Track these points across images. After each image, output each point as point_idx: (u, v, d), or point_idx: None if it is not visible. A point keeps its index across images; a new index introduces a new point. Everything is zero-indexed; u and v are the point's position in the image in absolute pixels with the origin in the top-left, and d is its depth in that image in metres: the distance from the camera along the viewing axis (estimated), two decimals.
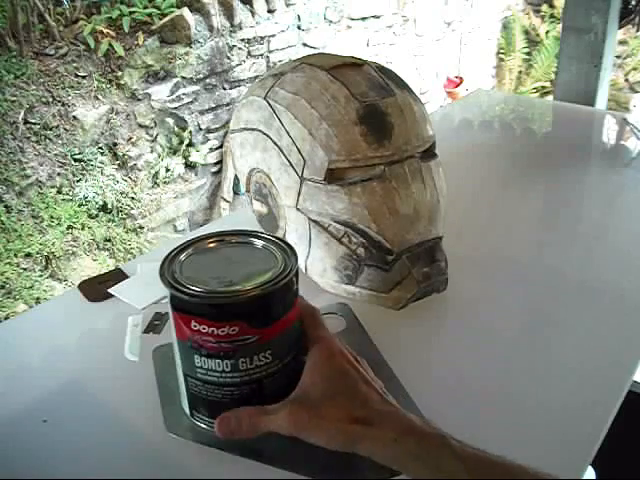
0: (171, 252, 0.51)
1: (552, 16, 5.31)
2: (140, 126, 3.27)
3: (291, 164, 0.83)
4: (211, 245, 0.53)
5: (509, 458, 0.45)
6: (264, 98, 0.86)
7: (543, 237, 1.08)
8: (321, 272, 0.86)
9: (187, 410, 0.58)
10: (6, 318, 2.62)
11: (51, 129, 3.01)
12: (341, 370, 0.50)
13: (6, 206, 2.85)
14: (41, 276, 2.89)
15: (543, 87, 5.27)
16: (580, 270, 0.97)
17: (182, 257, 0.51)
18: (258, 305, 0.47)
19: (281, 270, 0.49)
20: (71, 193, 3.05)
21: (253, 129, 0.88)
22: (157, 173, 3.35)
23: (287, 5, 3.73)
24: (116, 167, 3.22)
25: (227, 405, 0.52)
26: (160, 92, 3.28)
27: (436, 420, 0.65)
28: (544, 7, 5.40)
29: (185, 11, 3.29)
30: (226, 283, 0.47)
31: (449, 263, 0.83)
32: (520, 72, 5.46)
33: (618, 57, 4.93)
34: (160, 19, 3.28)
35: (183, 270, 0.49)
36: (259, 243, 0.53)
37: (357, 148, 0.79)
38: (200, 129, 3.48)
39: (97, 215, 3.14)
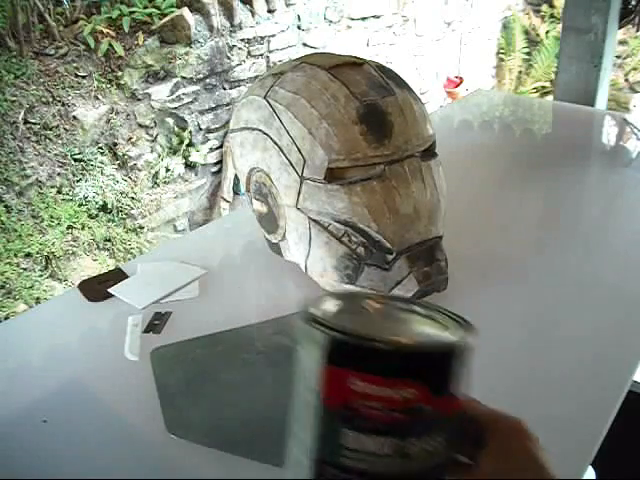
0: (315, 300, 0.38)
1: (552, 16, 5.31)
2: (140, 126, 3.27)
3: (291, 163, 0.83)
4: (363, 303, 0.40)
5: None
6: (264, 97, 0.86)
7: (543, 237, 1.08)
8: (321, 271, 0.86)
9: None
10: (6, 318, 2.62)
11: (51, 129, 3.00)
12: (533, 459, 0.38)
13: (6, 206, 2.85)
14: (41, 276, 2.89)
15: (543, 87, 5.27)
16: (580, 270, 0.97)
17: (328, 306, 0.38)
18: (444, 366, 0.34)
19: (463, 335, 0.36)
20: (71, 193, 3.05)
21: (253, 128, 0.88)
22: (157, 173, 3.34)
23: (287, 5, 3.73)
24: (116, 167, 3.22)
25: None
26: (160, 92, 3.28)
27: None
28: (544, 7, 5.40)
29: (185, 11, 3.29)
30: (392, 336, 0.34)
31: (449, 263, 0.83)
32: (520, 72, 5.46)
33: (618, 57, 4.92)
34: (160, 19, 3.28)
35: (331, 319, 0.35)
36: (422, 311, 0.40)
37: (357, 147, 0.79)
38: (200, 129, 3.48)
39: (97, 215, 3.14)
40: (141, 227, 3.28)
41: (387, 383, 0.32)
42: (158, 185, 3.37)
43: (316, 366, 0.33)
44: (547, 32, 5.33)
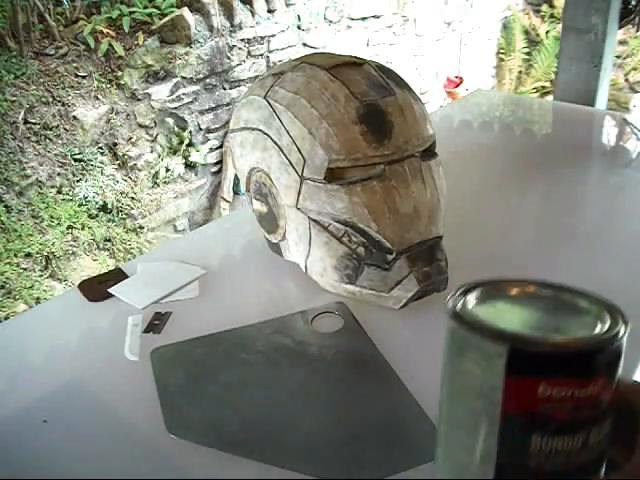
0: (457, 293, 0.38)
1: (552, 16, 5.31)
2: (140, 126, 3.27)
3: (291, 163, 0.83)
4: (505, 292, 0.40)
5: None
6: (264, 97, 0.86)
7: (543, 237, 1.08)
8: (321, 271, 0.86)
9: None
10: (6, 318, 2.62)
11: (51, 129, 3.01)
12: None
13: (6, 206, 2.85)
14: (41, 276, 2.89)
15: (543, 87, 5.27)
16: (580, 270, 0.97)
17: (471, 302, 0.37)
18: (618, 355, 0.34)
19: (620, 320, 0.35)
20: (71, 193, 3.05)
21: (253, 128, 0.88)
22: (157, 173, 3.34)
23: (287, 5, 3.73)
24: (116, 167, 3.22)
25: None
26: (160, 92, 3.28)
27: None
28: (544, 7, 5.40)
29: (185, 11, 3.29)
30: (555, 330, 0.35)
31: (449, 262, 0.83)
32: (520, 72, 5.45)
33: (618, 57, 4.92)
34: (160, 19, 3.28)
35: (485, 318, 0.34)
36: (565, 297, 0.39)
37: (357, 147, 0.79)
38: (200, 129, 3.48)
39: (97, 215, 3.14)
40: (141, 227, 3.28)
41: (574, 383, 0.32)
42: (158, 185, 3.37)
43: (491, 377, 0.32)
44: (547, 32, 5.33)
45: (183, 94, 3.36)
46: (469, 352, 0.33)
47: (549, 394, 0.32)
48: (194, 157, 3.46)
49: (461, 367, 0.34)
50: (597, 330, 0.34)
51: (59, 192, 3.03)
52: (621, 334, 0.33)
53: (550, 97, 4.47)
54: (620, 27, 1.89)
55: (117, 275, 0.94)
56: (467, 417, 0.35)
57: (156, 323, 0.83)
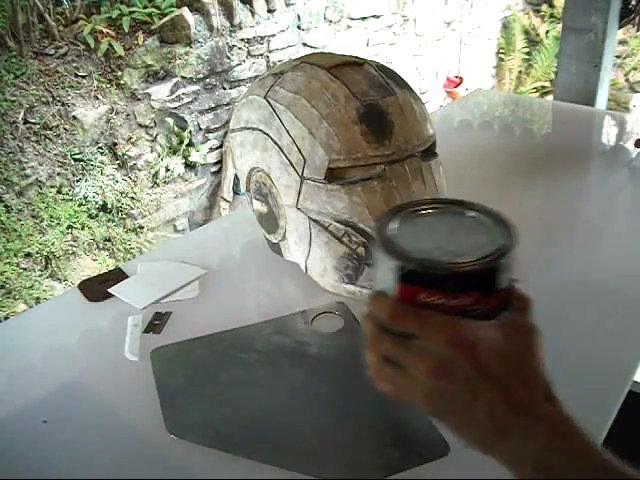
0: (381, 220, 0.47)
1: (552, 16, 5.31)
2: (140, 126, 3.27)
3: (291, 163, 0.83)
4: (420, 213, 0.48)
5: None
6: (264, 97, 0.86)
7: (543, 237, 1.08)
8: (321, 271, 0.86)
9: None
10: (6, 318, 2.62)
11: (51, 129, 3.00)
12: (530, 349, 0.45)
13: (6, 206, 2.85)
14: (41, 276, 2.89)
15: (543, 87, 5.27)
16: (580, 270, 0.97)
17: (393, 226, 0.46)
18: (492, 273, 0.43)
19: (508, 240, 0.44)
20: (71, 193, 3.05)
21: (253, 128, 0.88)
22: (157, 173, 3.34)
23: (287, 5, 3.73)
24: (116, 167, 3.22)
25: None
26: (160, 92, 3.28)
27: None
28: (544, 7, 5.40)
29: (185, 11, 3.29)
30: (450, 253, 0.43)
31: None
32: (520, 72, 5.46)
33: (618, 57, 4.92)
34: (160, 19, 3.28)
35: (400, 240, 0.44)
36: (470, 214, 0.48)
37: (357, 147, 0.79)
38: (200, 129, 3.48)
39: (97, 215, 3.14)
40: (141, 227, 3.28)
41: (450, 296, 0.42)
42: (158, 185, 3.37)
43: (389, 283, 0.43)
44: (547, 32, 5.33)
45: (183, 94, 3.36)
46: (379, 262, 0.44)
47: (426, 301, 0.42)
48: (194, 157, 3.46)
49: (377, 273, 0.45)
50: (480, 252, 0.42)
51: (59, 192, 3.03)
52: (496, 257, 0.42)
53: (550, 97, 4.48)
54: (620, 27, 1.89)
55: (117, 275, 0.94)
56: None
57: (156, 323, 0.83)
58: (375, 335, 0.45)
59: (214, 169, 3.63)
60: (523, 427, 0.41)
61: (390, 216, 0.47)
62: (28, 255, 2.88)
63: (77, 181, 3.08)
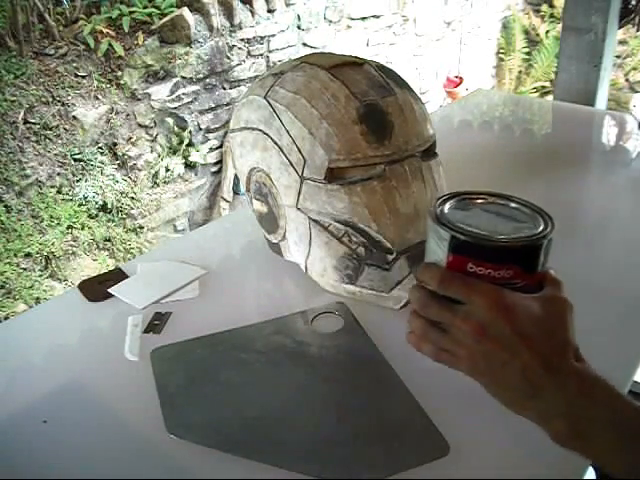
0: (437, 200, 0.53)
1: (552, 16, 5.31)
2: (140, 126, 3.27)
3: (291, 163, 0.83)
4: (470, 200, 0.55)
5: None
6: (264, 97, 0.86)
7: None
8: (321, 271, 0.86)
9: None
10: (6, 318, 2.62)
11: (51, 129, 3.00)
12: (564, 319, 0.49)
13: (6, 206, 2.85)
14: (41, 276, 2.89)
15: (543, 87, 5.27)
16: (580, 270, 0.97)
17: (447, 206, 0.52)
18: (532, 252, 0.48)
19: (546, 225, 0.50)
20: (71, 193, 3.05)
21: (253, 128, 0.88)
22: (157, 173, 3.34)
23: (287, 5, 3.73)
24: (116, 167, 3.22)
25: None
26: (160, 92, 3.28)
27: (437, 418, 0.65)
28: (544, 7, 5.40)
29: (185, 11, 3.29)
30: (496, 232, 0.48)
31: None
32: (520, 72, 5.45)
33: (618, 57, 4.92)
34: (160, 19, 3.28)
35: (453, 217, 0.50)
36: (513, 205, 0.55)
37: (357, 147, 0.79)
38: (200, 129, 3.48)
39: (97, 215, 3.14)
40: (141, 227, 3.28)
41: (494, 267, 0.47)
42: (158, 185, 3.37)
43: (441, 252, 0.48)
44: (547, 32, 5.33)
45: (183, 94, 3.36)
46: (433, 235, 0.49)
47: (474, 270, 0.47)
48: (194, 157, 3.46)
49: (429, 246, 0.50)
50: (523, 234, 0.48)
51: (59, 192, 3.03)
52: (535, 238, 0.48)
53: (550, 97, 4.48)
54: (620, 27, 1.89)
55: (117, 275, 0.94)
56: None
57: (156, 323, 0.83)
58: (423, 301, 0.49)
59: (214, 169, 3.63)
60: (555, 383, 0.45)
61: (445, 199, 0.53)
62: (28, 255, 2.88)
63: (77, 181, 3.08)
